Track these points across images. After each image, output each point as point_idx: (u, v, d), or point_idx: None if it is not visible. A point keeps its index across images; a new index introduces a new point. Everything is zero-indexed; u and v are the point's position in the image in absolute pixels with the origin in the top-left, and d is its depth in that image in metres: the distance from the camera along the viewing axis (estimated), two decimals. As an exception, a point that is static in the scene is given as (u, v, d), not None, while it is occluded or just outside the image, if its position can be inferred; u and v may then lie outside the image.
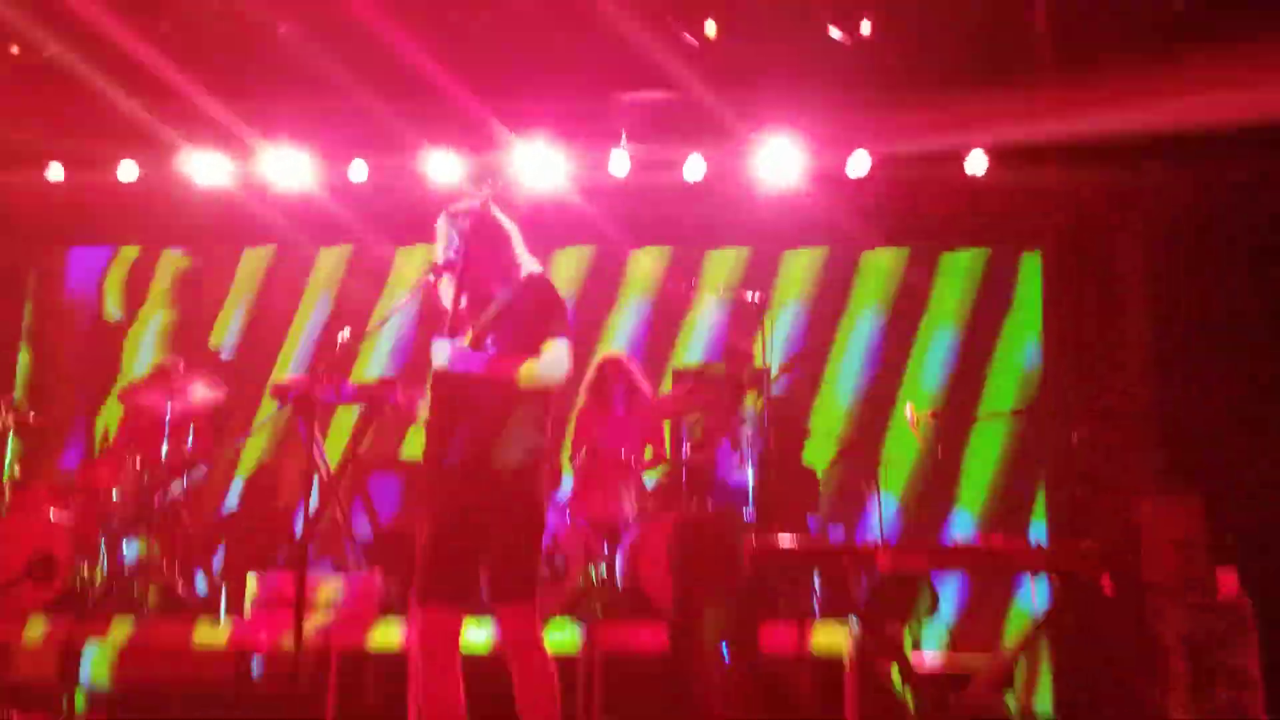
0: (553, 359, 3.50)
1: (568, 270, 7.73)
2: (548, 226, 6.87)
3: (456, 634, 3.51)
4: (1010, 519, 7.34)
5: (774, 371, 6.16)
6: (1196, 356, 6.55)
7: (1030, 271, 7.58)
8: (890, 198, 6.93)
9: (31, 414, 6.26)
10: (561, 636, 5.31)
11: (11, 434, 5.95)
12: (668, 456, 6.32)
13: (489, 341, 3.56)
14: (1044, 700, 6.81)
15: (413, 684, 3.50)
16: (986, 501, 7.42)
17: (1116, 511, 5.61)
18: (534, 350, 3.49)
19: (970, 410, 7.10)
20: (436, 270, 3.71)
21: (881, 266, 7.79)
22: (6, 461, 6.31)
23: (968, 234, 7.54)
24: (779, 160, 6.64)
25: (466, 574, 3.51)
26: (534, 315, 3.57)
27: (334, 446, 6.74)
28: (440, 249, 3.70)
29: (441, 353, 3.50)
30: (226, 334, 7.90)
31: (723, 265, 7.79)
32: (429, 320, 3.82)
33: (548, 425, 3.61)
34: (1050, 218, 6.94)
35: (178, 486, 5.81)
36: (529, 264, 3.74)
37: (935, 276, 7.75)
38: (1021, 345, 7.57)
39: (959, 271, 7.74)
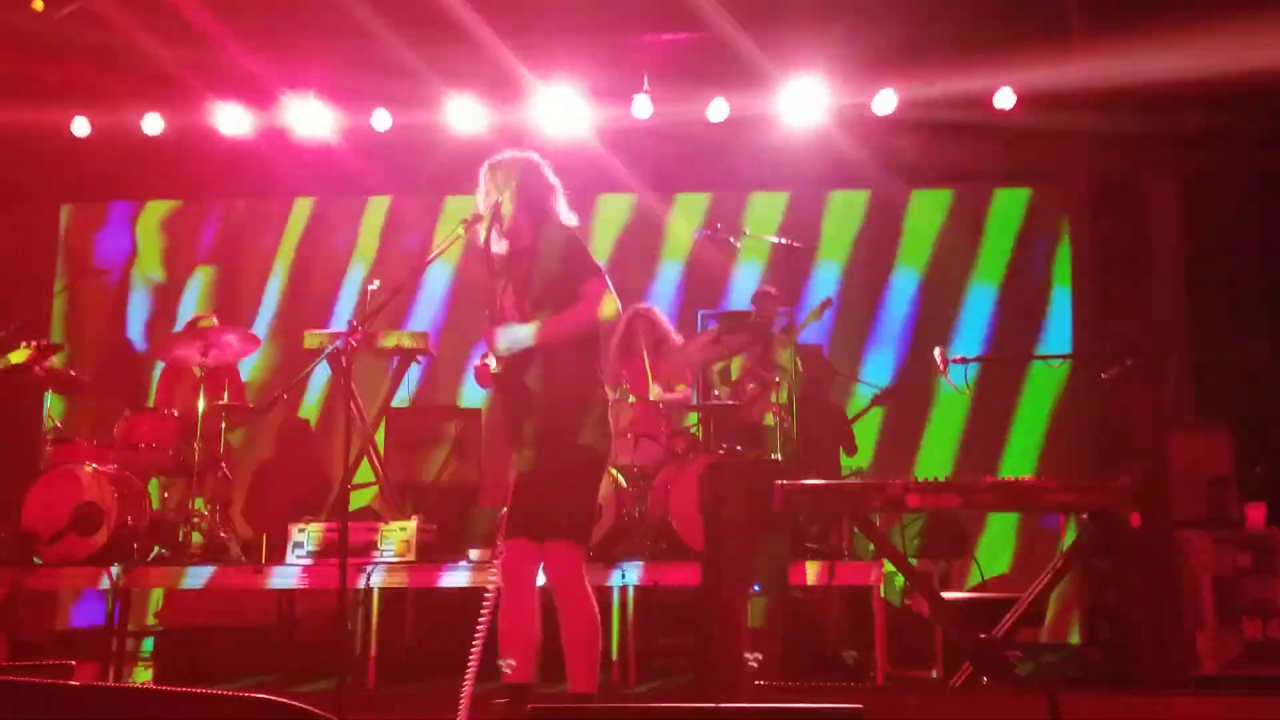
0: (592, 306, 3.63)
1: (597, 219, 7.75)
2: (573, 174, 6.88)
3: (532, 565, 3.69)
4: (1044, 459, 7.40)
5: (804, 316, 6.19)
6: (1228, 295, 6.54)
7: (1062, 215, 7.55)
8: (917, 141, 6.88)
9: (72, 370, 6.37)
10: (597, 576, 5.44)
11: (50, 391, 6.04)
12: (696, 401, 6.37)
13: (530, 309, 3.71)
14: (1073, 634, 6.90)
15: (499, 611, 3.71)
16: (1021, 442, 7.46)
17: (1147, 449, 5.61)
18: (574, 297, 3.64)
19: (1002, 354, 7.12)
20: (473, 220, 3.82)
21: (910, 210, 7.77)
22: (46, 416, 6.43)
23: (997, 179, 7.49)
24: (805, 100, 6.60)
25: (540, 514, 3.71)
26: (562, 269, 3.70)
27: (371, 398, 6.83)
28: (481, 198, 3.81)
29: (499, 342, 3.67)
30: (261, 288, 7.99)
31: (750, 210, 7.78)
32: (474, 263, 3.88)
33: (602, 377, 3.79)
34: (1082, 163, 6.87)
35: (216, 438, 5.91)
36: (566, 219, 3.85)
37: (963, 221, 7.73)
38: (1055, 288, 7.56)
39: (991, 216, 7.72)
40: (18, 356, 4.49)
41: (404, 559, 5.54)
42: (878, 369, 7.58)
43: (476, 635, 3.65)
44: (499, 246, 3.82)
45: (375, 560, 5.50)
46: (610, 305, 3.67)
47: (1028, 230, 7.68)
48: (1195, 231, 7.05)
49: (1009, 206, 7.72)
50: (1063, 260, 7.55)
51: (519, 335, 3.66)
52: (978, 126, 6.64)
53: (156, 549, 5.69)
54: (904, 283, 7.72)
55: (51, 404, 7.00)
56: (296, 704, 2.71)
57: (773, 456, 5.65)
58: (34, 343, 4.67)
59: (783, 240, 6.04)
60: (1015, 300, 7.59)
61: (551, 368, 3.68)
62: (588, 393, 3.73)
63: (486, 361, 3.78)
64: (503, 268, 3.86)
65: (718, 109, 6.73)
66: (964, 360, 3.96)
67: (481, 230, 3.76)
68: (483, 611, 3.62)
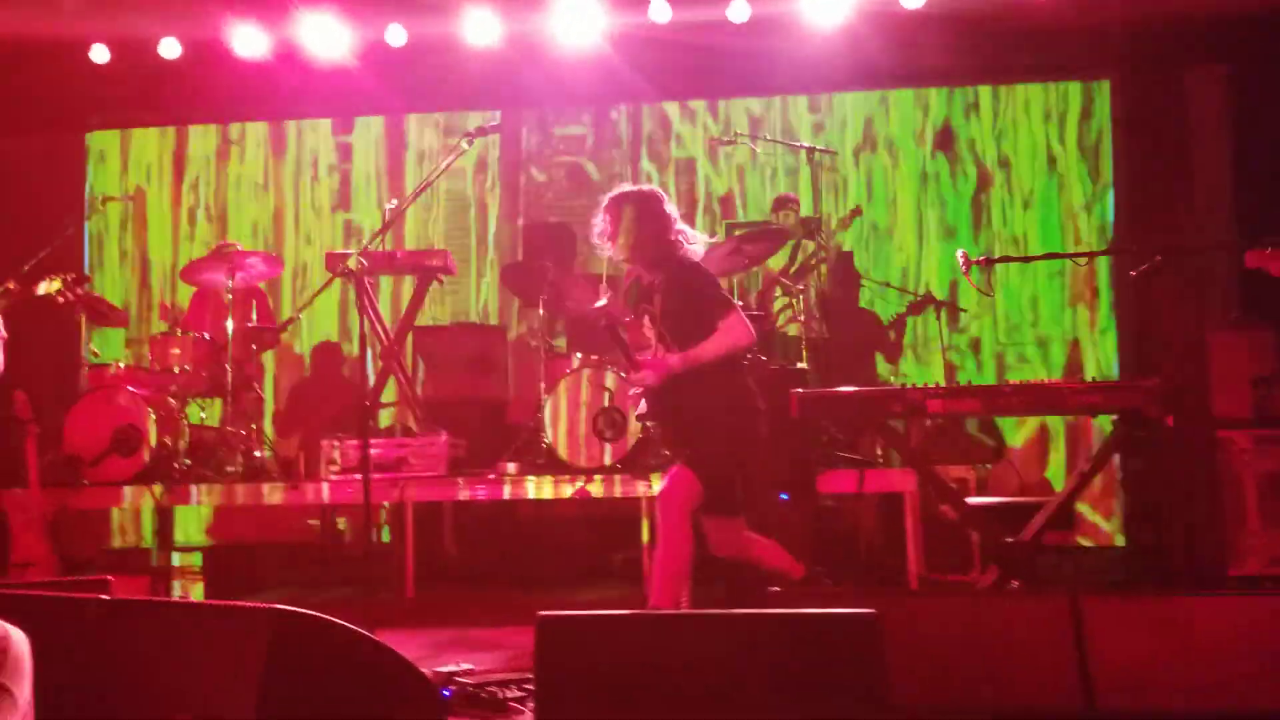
0: (727, 340, 3.95)
1: (612, 129, 7.64)
2: (589, 83, 6.77)
3: (690, 493, 3.95)
4: (1082, 361, 7.30)
5: (832, 223, 6.09)
6: (1273, 189, 6.30)
7: (1101, 109, 7.32)
8: (947, 37, 6.65)
9: (103, 297, 6.45)
10: (625, 486, 5.49)
11: (84, 316, 6.12)
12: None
13: (669, 341, 4.07)
14: (1114, 537, 6.88)
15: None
16: (1054, 345, 7.37)
17: (1185, 348, 5.50)
18: (709, 330, 3.97)
19: (1033, 253, 6.97)
20: (476, 133, 3.99)
21: (942, 110, 7.58)
22: (83, 342, 6.53)
23: (1032, 71, 7.25)
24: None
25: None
26: (694, 307, 4.00)
27: (392, 315, 6.86)
28: (597, 230, 4.13)
29: (646, 378, 4.05)
30: (281, 210, 8.00)
31: (772, 115, 7.62)
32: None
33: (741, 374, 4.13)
34: (1121, 51, 6.62)
35: (246, 358, 5.97)
36: (690, 250, 4.11)
37: (998, 119, 7.52)
38: (1091, 183, 7.37)
39: (1026, 114, 7.51)
40: (46, 288, 4.54)
41: (434, 474, 5.61)
42: (910, 276, 7.47)
43: None
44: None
45: (407, 475, 5.59)
46: (745, 334, 3.98)
47: (1064, 127, 7.45)
48: (1242, 123, 6.79)
49: (1044, 103, 7.49)
50: (1104, 157, 7.33)
51: (664, 368, 4.00)
52: (1010, 18, 6.39)
53: (194, 468, 5.81)
54: (936, 186, 7.56)
55: (87, 330, 7.10)
56: (313, 613, 2.78)
57: (798, 366, 5.60)
58: (63, 276, 4.72)
59: (807, 145, 5.91)
60: (1054, 200, 7.42)
61: (698, 388, 3.99)
62: (732, 402, 4.02)
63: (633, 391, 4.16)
64: (635, 296, 4.21)
65: (739, 9, 6.54)
66: (987, 261, 3.86)
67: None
68: None
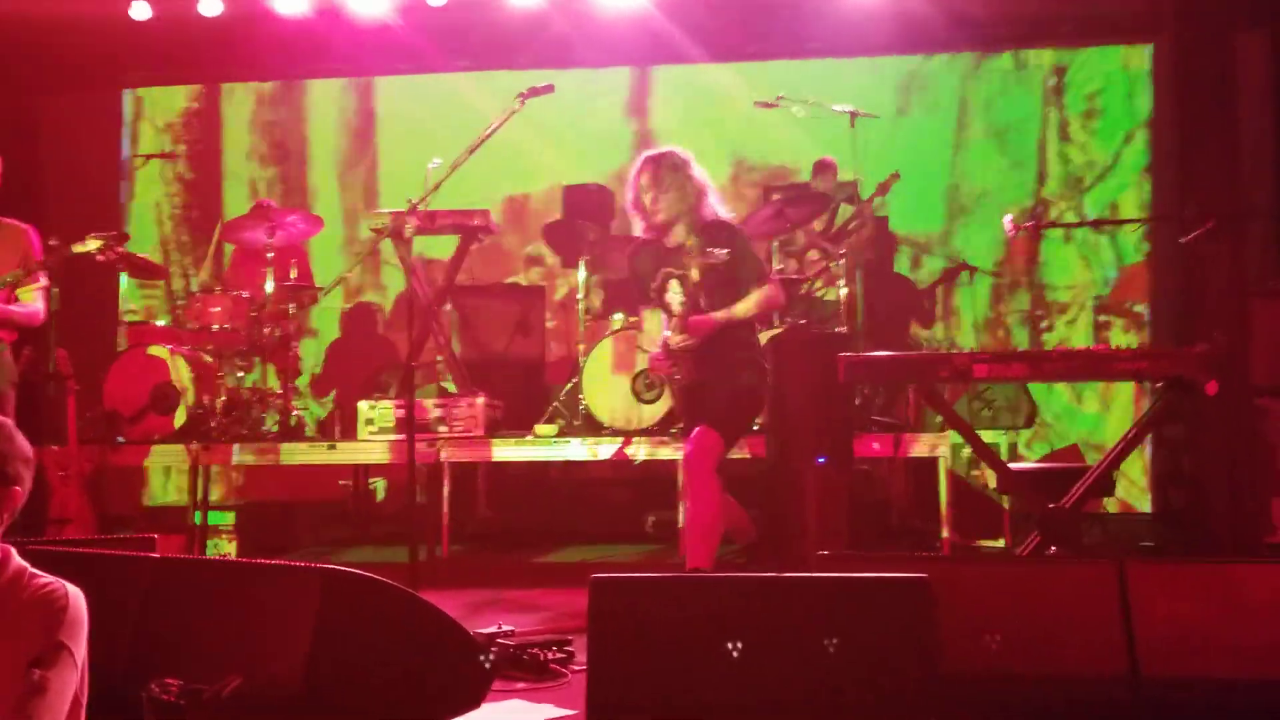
0: (762, 301, 4.17)
1: (661, 91, 7.55)
2: (630, 47, 6.69)
3: (715, 452, 4.11)
4: (1123, 327, 7.24)
5: (869, 189, 6.03)
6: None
7: (1144, 74, 7.20)
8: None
9: (141, 256, 6.47)
10: (660, 449, 5.50)
11: (124, 274, 6.14)
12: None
13: (702, 303, 4.13)
14: (1144, 503, 6.85)
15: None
16: (1096, 313, 7.30)
17: (1227, 315, 5.44)
18: (744, 291, 4.14)
19: (1077, 221, 6.90)
20: (529, 93, 4.08)
21: (984, 74, 7.47)
22: (122, 299, 6.57)
23: (1075, 38, 7.13)
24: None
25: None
26: (733, 264, 4.08)
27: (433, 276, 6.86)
28: (632, 192, 4.19)
29: (689, 337, 4.15)
30: (322, 170, 7.99)
31: (814, 78, 7.53)
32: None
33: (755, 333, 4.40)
34: (1164, 16, 6.50)
35: (285, 316, 5.99)
36: (720, 212, 4.23)
37: (1040, 84, 7.41)
38: (1132, 151, 7.27)
39: (1069, 78, 7.39)
40: (84, 247, 4.55)
41: (472, 434, 5.63)
42: (949, 241, 7.40)
43: None
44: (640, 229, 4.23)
45: (444, 435, 5.61)
46: (780, 297, 4.34)
47: (1107, 91, 7.34)
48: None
49: (1088, 67, 7.37)
50: (1142, 115, 7.21)
51: (700, 329, 4.11)
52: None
53: (231, 427, 5.85)
54: (978, 151, 7.46)
55: (126, 287, 7.14)
56: (364, 573, 2.80)
57: (838, 329, 5.58)
58: (104, 235, 4.73)
59: (849, 109, 5.85)
60: (1095, 165, 7.31)
61: (722, 344, 4.16)
62: (752, 358, 4.29)
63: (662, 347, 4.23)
64: (663, 260, 4.20)
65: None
66: (1035, 226, 3.82)
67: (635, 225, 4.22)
68: None
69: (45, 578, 2.18)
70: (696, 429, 4.12)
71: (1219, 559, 3.16)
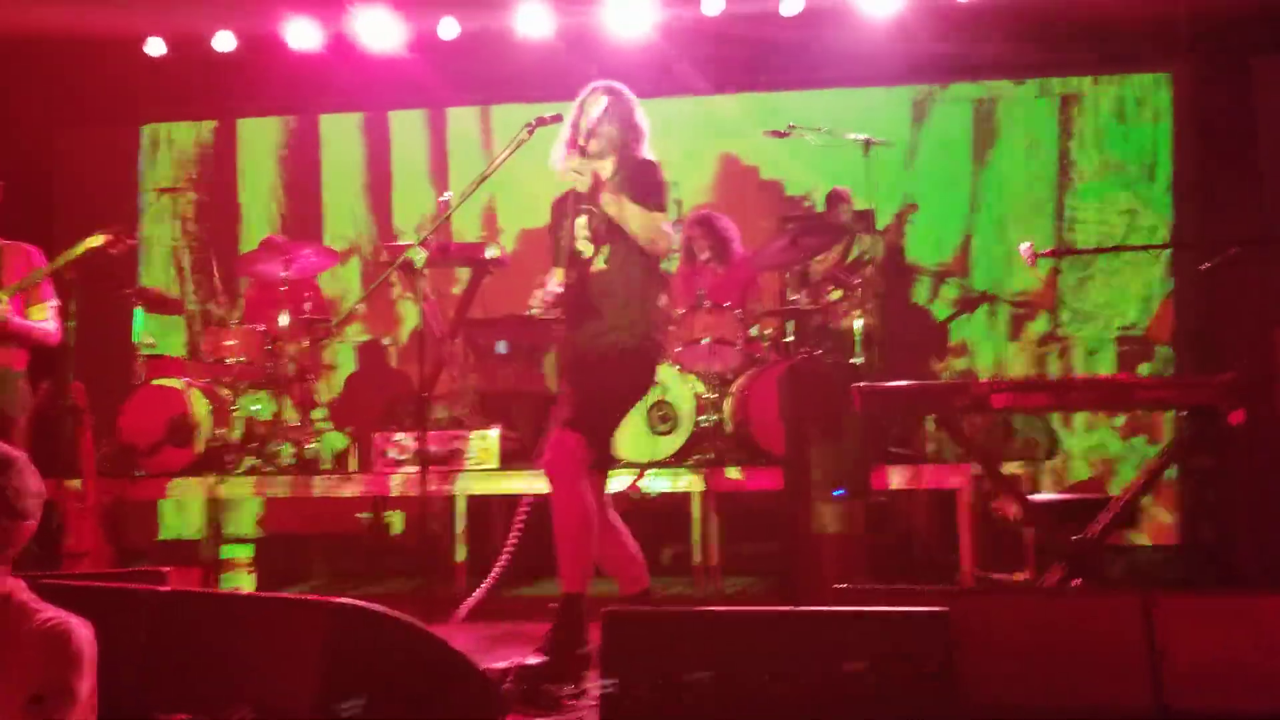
0: (655, 226, 3.78)
1: (658, 122, 7.55)
2: (639, 77, 6.71)
3: (575, 456, 3.74)
4: (1145, 356, 7.16)
5: (886, 219, 6.00)
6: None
7: (1165, 102, 7.17)
8: (1004, 28, 6.53)
9: (156, 290, 6.50)
10: (680, 482, 5.46)
11: (140, 309, 6.17)
12: (771, 307, 6.26)
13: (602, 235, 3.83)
14: (1170, 535, 6.74)
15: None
16: (1118, 340, 7.22)
17: (1251, 343, 5.38)
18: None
19: (1097, 248, 6.85)
20: (536, 124, 3.89)
21: (1000, 104, 7.45)
22: (141, 333, 6.58)
23: (1092, 64, 7.11)
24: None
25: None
26: (639, 191, 3.79)
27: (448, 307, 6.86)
28: (574, 112, 3.91)
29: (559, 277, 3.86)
30: (336, 203, 8.03)
31: (826, 108, 7.53)
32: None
33: (657, 302, 3.95)
34: (1185, 42, 6.48)
35: (300, 350, 5.99)
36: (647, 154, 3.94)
37: (1057, 113, 7.39)
38: (1158, 179, 7.22)
39: (1087, 107, 7.36)
40: (94, 240, 4.53)
41: (488, 467, 5.60)
42: (968, 271, 7.35)
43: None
44: (576, 177, 3.86)
45: (461, 469, 5.58)
46: (662, 238, 3.83)
47: (1127, 120, 7.30)
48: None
49: (1107, 96, 7.33)
50: (1166, 149, 7.17)
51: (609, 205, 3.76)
52: (1071, 9, 6.27)
53: (249, 459, 5.83)
54: (994, 180, 7.43)
55: (142, 321, 7.16)
56: (374, 607, 2.76)
57: (853, 360, 5.53)
58: (111, 228, 4.69)
59: (862, 138, 5.83)
60: (1115, 194, 7.26)
61: (612, 281, 3.82)
62: (634, 317, 3.83)
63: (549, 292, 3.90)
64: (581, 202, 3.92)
65: (791, 2, 6.47)
66: (1055, 254, 3.77)
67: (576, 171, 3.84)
68: None
69: (50, 612, 2.15)
70: (558, 432, 3.79)
71: (1246, 591, 3.09)
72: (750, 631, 2.69)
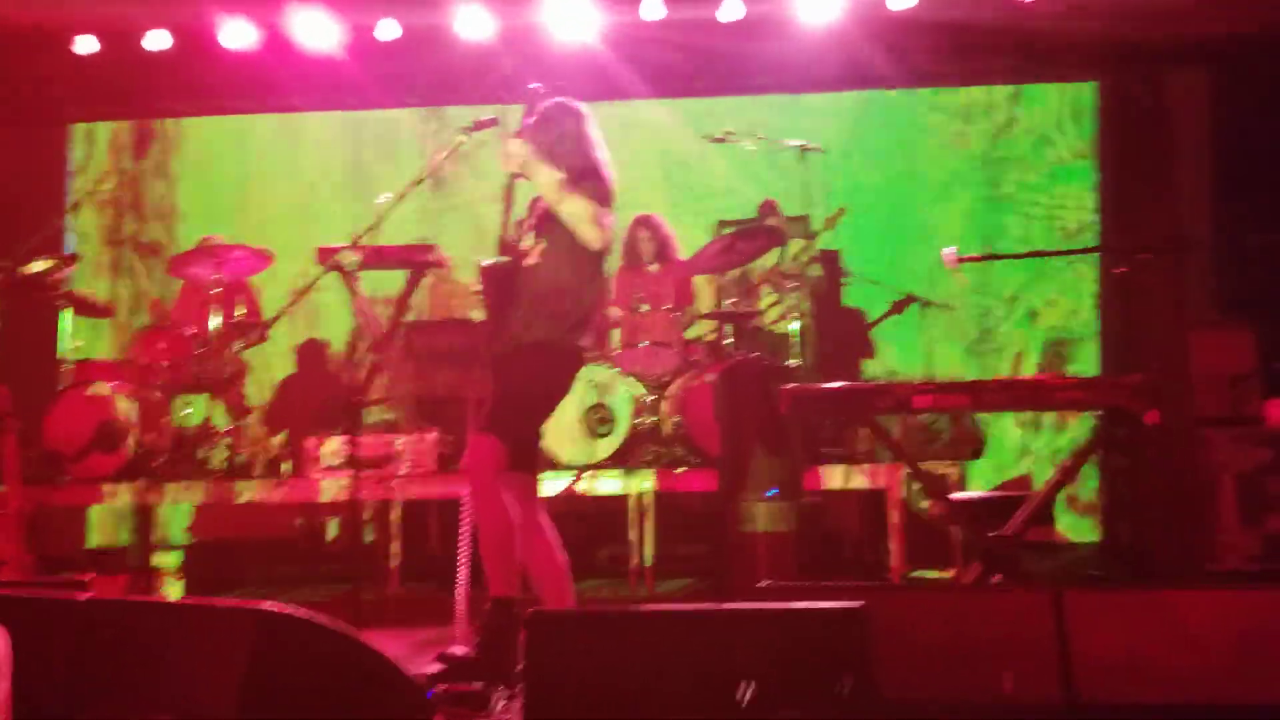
0: (584, 210, 3.63)
1: (609, 127, 7.59)
2: (579, 81, 6.74)
3: (490, 458, 3.64)
4: (1062, 358, 7.35)
5: (818, 223, 6.10)
6: (1252, 191, 6.35)
7: (1084, 110, 7.36)
8: (936, 39, 6.66)
9: (87, 292, 6.41)
10: (616, 484, 5.50)
11: (69, 311, 6.07)
12: (705, 310, 6.34)
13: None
14: (1091, 533, 6.92)
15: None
16: (1037, 342, 7.40)
17: (1166, 346, 5.54)
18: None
19: (1017, 252, 7.01)
20: (473, 127, 3.88)
21: (928, 111, 7.60)
22: (67, 337, 6.48)
23: (1018, 73, 7.29)
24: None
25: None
26: (577, 175, 3.68)
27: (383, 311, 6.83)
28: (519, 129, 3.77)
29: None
30: (272, 204, 7.96)
31: (762, 115, 7.61)
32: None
33: (588, 302, 3.75)
34: (1105, 55, 6.66)
35: (231, 353, 5.94)
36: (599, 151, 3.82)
37: (983, 120, 7.56)
38: (1073, 183, 7.41)
39: (1012, 115, 7.53)
40: (37, 265, 4.49)
41: (424, 470, 5.59)
42: (897, 275, 7.47)
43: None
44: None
45: (395, 473, 5.57)
46: (591, 227, 3.66)
47: (1048, 128, 7.49)
48: (1225, 125, 6.83)
49: (1030, 105, 7.52)
50: (1092, 156, 7.36)
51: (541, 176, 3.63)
52: (997, 21, 6.43)
53: (177, 465, 5.77)
54: (922, 186, 7.58)
55: (70, 324, 7.04)
56: (299, 612, 2.76)
57: (789, 363, 5.62)
58: (55, 256, 4.68)
59: (796, 144, 5.92)
60: (1038, 200, 7.45)
61: (541, 276, 3.72)
62: (563, 309, 3.71)
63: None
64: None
65: (731, 9, 6.54)
66: (979, 258, 3.87)
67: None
68: None
69: (-40, 619, 2.13)
70: (474, 438, 3.70)
71: (1155, 586, 3.21)
72: (671, 629, 2.73)
